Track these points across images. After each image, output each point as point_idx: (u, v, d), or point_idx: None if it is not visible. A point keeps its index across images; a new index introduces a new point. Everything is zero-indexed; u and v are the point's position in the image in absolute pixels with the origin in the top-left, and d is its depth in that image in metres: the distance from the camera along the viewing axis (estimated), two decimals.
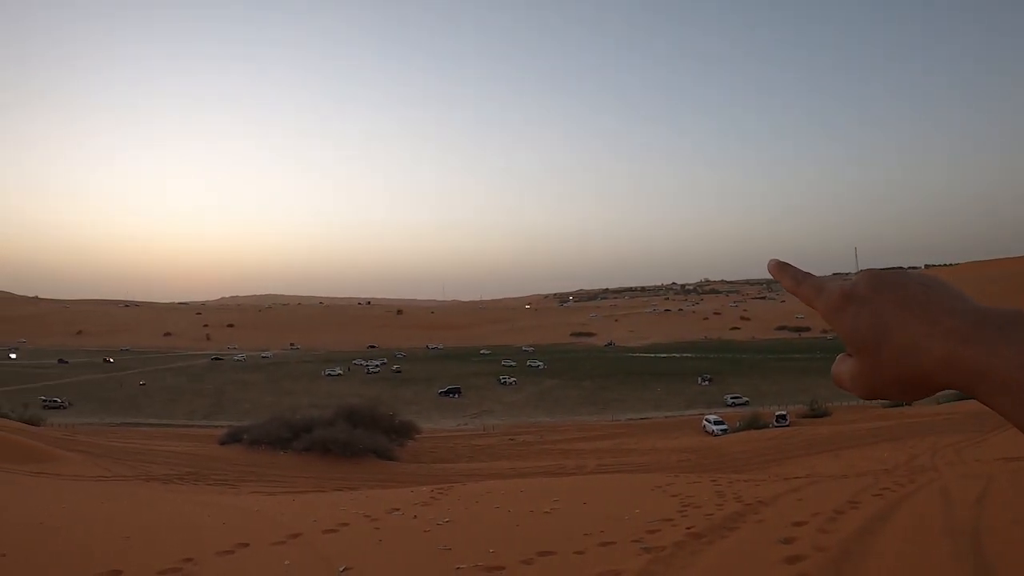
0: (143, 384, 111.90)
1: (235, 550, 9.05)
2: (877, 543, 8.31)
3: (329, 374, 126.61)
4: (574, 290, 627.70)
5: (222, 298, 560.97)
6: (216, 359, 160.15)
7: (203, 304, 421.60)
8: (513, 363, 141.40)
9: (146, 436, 53.78)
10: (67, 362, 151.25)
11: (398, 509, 13.28)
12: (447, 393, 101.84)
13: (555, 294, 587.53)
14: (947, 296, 0.83)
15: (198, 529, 11.21)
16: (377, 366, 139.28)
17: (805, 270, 1.03)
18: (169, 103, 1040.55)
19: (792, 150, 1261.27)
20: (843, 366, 0.91)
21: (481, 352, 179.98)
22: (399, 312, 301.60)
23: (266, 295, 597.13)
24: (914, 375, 0.81)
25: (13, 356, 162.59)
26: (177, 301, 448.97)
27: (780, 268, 1.05)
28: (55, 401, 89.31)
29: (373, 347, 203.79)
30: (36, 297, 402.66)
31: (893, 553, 7.79)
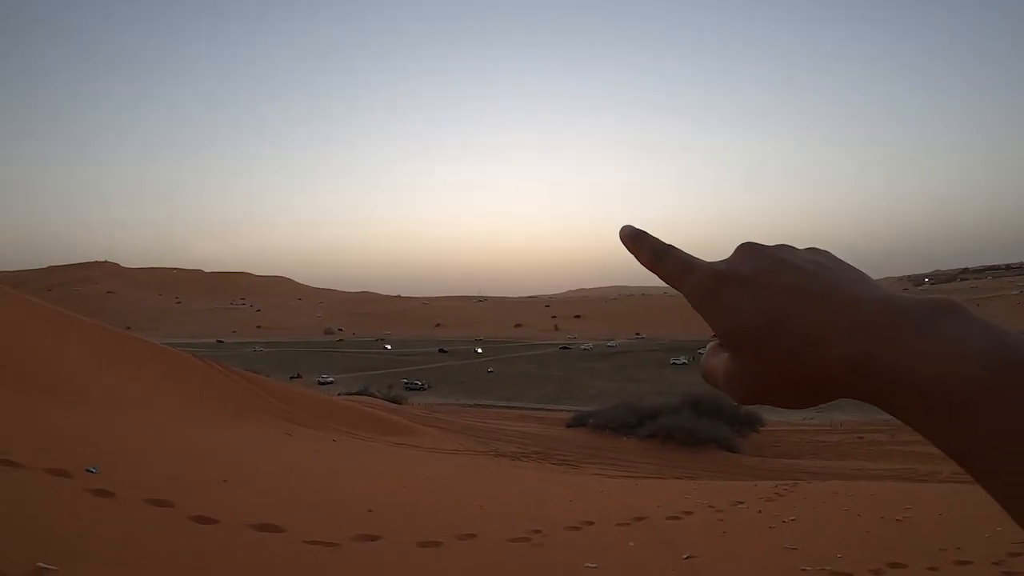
0: (491, 371, 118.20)
1: (581, 526, 9.26)
2: None
3: (674, 363, 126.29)
4: (930, 271, 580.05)
5: (569, 291, 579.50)
6: (564, 348, 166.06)
7: (551, 297, 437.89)
8: None
9: (497, 416, 56.93)
10: (446, 351, 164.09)
11: (742, 502, 12.96)
12: None
13: (908, 276, 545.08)
14: (851, 279, 0.66)
15: (545, 504, 11.58)
16: None
17: (669, 242, 0.76)
18: (503, 101, 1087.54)
19: None
20: (716, 359, 0.72)
21: None
22: None
23: (612, 287, 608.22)
24: (809, 378, 0.62)
25: (388, 347, 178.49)
26: (527, 295, 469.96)
27: (635, 238, 0.79)
28: (416, 384, 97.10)
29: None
30: (399, 296, 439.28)
31: None
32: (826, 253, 0.72)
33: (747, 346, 0.65)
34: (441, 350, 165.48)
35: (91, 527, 5.91)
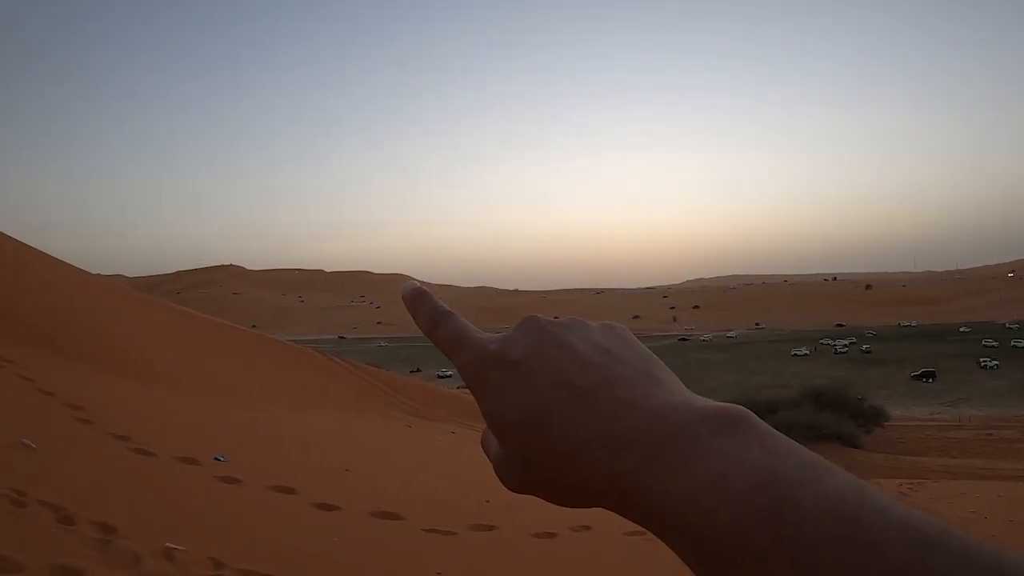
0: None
1: None
2: None
3: (795, 354, 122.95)
4: None
5: (687, 281, 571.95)
6: (682, 340, 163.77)
7: (669, 288, 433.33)
8: (995, 343, 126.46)
9: None
10: None
11: None
12: (919, 377, 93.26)
13: None
14: (634, 373, 0.56)
15: None
16: (845, 346, 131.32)
17: (449, 307, 0.69)
18: (628, 97, 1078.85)
19: None
20: (491, 443, 0.61)
21: (960, 330, 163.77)
22: (868, 287, 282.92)
23: (730, 276, 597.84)
24: (572, 487, 0.54)
25: None
26: (644, 286, 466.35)
27: (414, 299, 0.73)
28: None
29: (841, 325, 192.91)
30: (517, 290, 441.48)
31: None
32: (620, 334, 0.63)
33: (510, 439, 0.56)
34: None
35: (218, 511, 6.18)
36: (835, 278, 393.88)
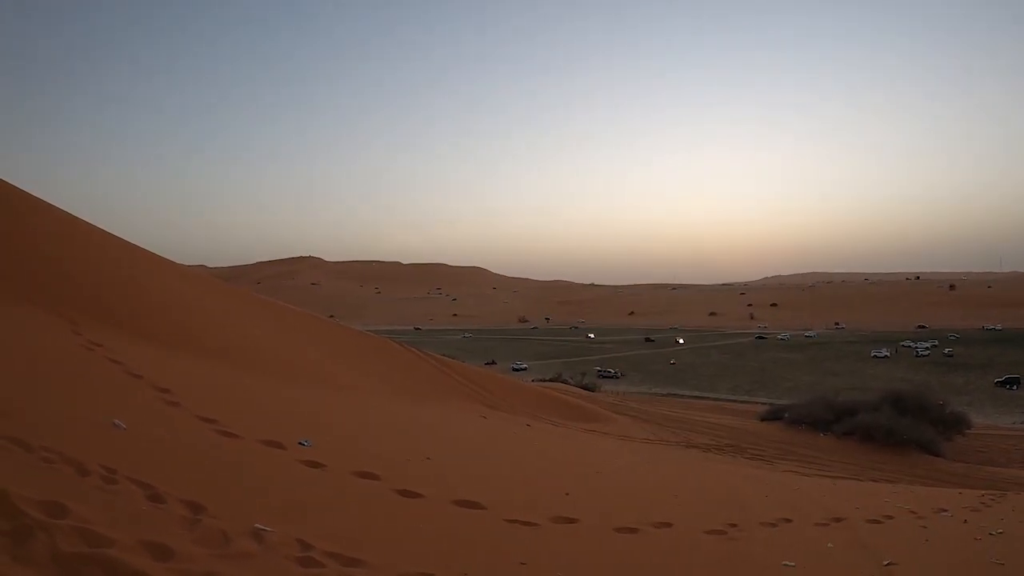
0: (673, 363, 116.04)
1: (778, 524, 8.97)
2: None
3: (875, 356, 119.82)
4: None
5: (765, 278, 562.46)
6: (760, 338, 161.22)
7: (746, 285, 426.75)
8: None
9: (689, 407, 56.15)
10: (652, 340, 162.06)
11: (946, 510, 12.16)
12: (1003, 383, 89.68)
13: None
14: None
15: (740, 498, 11.30)
16: (927, 348, 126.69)
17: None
18: (708, 93, 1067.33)
19: None
20: None
21: None
22: (951, 287, 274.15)
23: (809, 273, 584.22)
24: None
25: (591, 336, 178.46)
26: (721, 283, 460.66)
27: None
28: (609, 372, 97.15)
29: (922, 327, 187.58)
30: (593, 284, 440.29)
31: None
32: None
33: None
34: (648, 339, 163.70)
35: (303, 494, 6.18)
36: (917, 277, 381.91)
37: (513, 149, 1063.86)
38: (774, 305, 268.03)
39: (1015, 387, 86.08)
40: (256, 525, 4.70)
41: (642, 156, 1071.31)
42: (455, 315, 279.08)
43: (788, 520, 9.32)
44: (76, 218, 19.81)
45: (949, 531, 10.13)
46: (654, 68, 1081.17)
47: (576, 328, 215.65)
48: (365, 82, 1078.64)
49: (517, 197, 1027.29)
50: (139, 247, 22.35)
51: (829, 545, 8.02)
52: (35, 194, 18.58)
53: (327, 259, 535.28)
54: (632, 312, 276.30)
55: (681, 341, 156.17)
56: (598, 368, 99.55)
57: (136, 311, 15.32)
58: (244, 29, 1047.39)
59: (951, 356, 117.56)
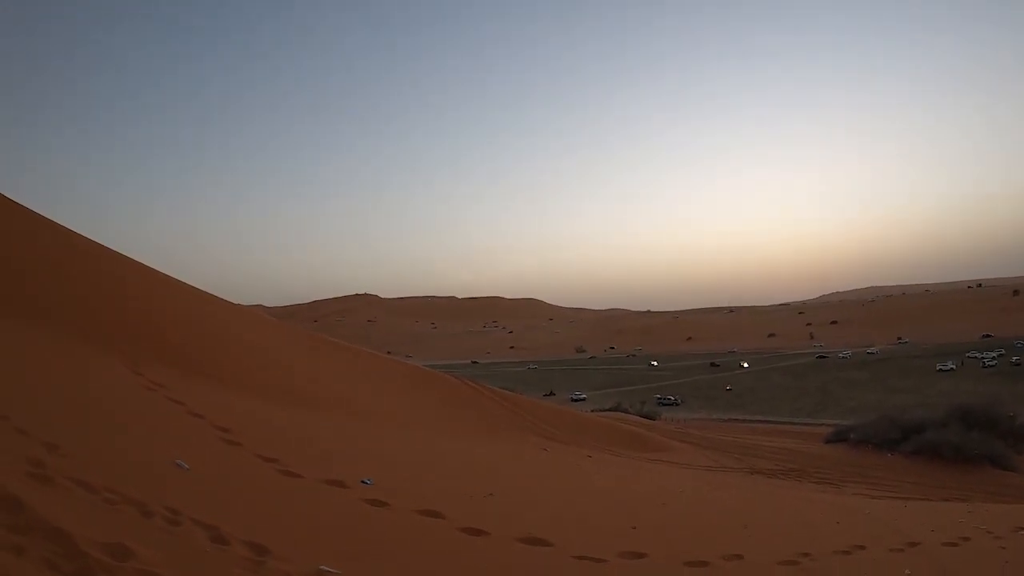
0: (729, 389, 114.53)
1: (852, 551, 8.75)
2: None
3: (941, 369, 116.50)
4: None
5: (823, 295, 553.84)
6: (821, 357, 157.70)
7: (804, 303, 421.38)
8: None
9: (751, 432, 55.34)
10: (717, 365, 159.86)
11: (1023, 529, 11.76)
12: None
13: None
14: None
15: (811, 525, 11.06)
16: (994, 358, 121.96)
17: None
18: (756, 111, 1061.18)
19: None
20: None
21: None
22: (1015, 293, 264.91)
23: (868, 288, 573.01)
24: None
25: (655, 363, 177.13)
26: (779, 303, 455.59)
27: None
28: (669, 399, 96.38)
29: (988, 336, 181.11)
30: (648, 311, 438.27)
31: None
32: None
33: None
34: (713, 364, 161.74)
35: (368, 534, 6.10)
36: (980, 284, 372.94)
37: (564, 179, 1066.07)
38: (834, 323, 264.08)
39: None
40: (321, 567, 4.62)
41: (693, 181, 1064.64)
42: (512, 347, 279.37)
43: (862, 547, 9.08)
44: (131, 259, 20.16)
45: None
46: (704, 93, 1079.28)
47: (634, 356, 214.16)
48: (417, 119, 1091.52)
49: (570, 228, 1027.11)
50: (196, 287, 22.70)
51: (907, 572, 7.77)
52: (90, 235, 18.99)
53: (383, 296, 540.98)
54: (690, 337, 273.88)
55: (746, 365, 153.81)
56: (657, 396, 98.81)
57: (196, 351, 15.50)
58: (304, 66, 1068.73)
59: (1019, 365, 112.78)
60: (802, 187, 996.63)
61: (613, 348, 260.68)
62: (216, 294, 23.96)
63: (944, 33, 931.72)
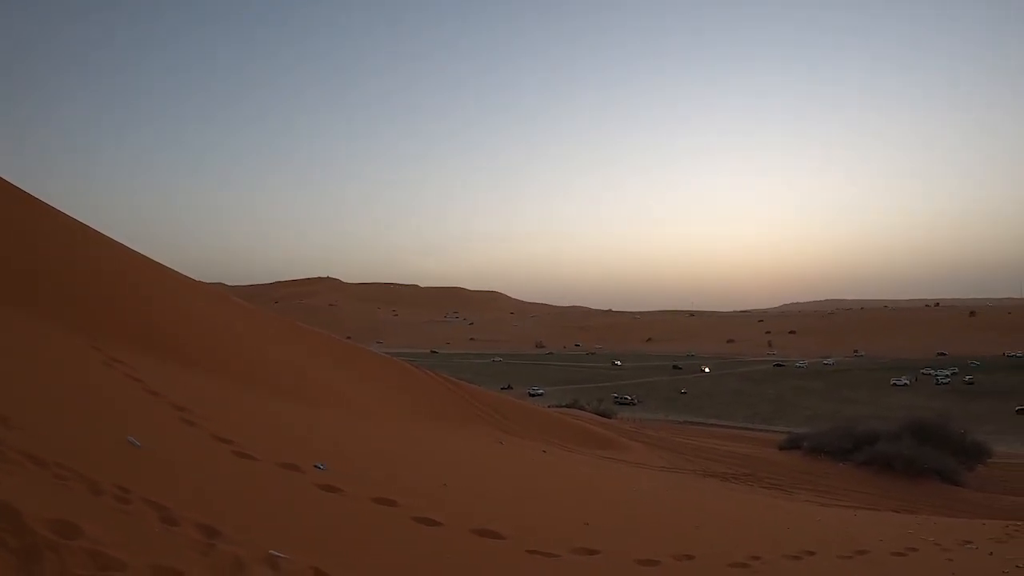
0: (684, 392, 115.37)
1: (802, 556, 8.87)
2: None
3: (895, 383, 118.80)
4: None
5: (783, 305, 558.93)
6: (778, 365, 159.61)
7: (764, 311, 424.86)
8: None
9: (707, 435, 55.86)
10: (679, 368, 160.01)
11: (971, 542, 12.00)
12: None
13: None
14: None
15: (762, 529, 11.19)
16: (947, 376, 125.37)
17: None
18: (726, 118, 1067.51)
19: None
20: None
21: None
22: (971, 314, 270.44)
23: (828, 300, 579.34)
24: None
25: (618, 363, 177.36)
26: (739, 310, 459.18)
27: None
28: (626, 398, 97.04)
29: (942, 354, 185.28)
30: (610, 310, 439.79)
31: None
32: None
33: None
34: (675, 367, 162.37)
35: (320, 520, 6.06)
36: (937, 304, 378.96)
37: (533, 175, 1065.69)
38: (792, 332, 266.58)
39: None
40: (271, 551, 4.58)
41: (657, 183, 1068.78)
42: (472, 339, 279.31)
43: (811, 553, 9.20)
44: (93, 230, 19.84)
45: (975, 564, 9.99)
46: (677, 95, 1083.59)
47: (593, 354, 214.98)
48: (387, 105, 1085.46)
49: (536, 223, 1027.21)
50: (160, 264, 22.39)
51: None
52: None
53: (345, 280, 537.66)
54: (650, 338, 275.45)
55: (707, 369, 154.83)
56: (615, 395, 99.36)
57: (157, 329, 15.30)
58: (269, 47, 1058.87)
59: (972, 384, 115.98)
60: (768, 196, 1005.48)
61: (579, 345, 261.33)
62: (176, 269, 23.64)
63: (898, 50, 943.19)
